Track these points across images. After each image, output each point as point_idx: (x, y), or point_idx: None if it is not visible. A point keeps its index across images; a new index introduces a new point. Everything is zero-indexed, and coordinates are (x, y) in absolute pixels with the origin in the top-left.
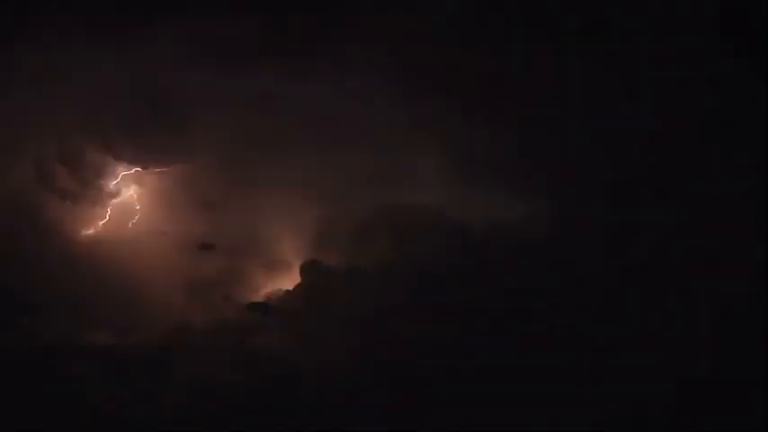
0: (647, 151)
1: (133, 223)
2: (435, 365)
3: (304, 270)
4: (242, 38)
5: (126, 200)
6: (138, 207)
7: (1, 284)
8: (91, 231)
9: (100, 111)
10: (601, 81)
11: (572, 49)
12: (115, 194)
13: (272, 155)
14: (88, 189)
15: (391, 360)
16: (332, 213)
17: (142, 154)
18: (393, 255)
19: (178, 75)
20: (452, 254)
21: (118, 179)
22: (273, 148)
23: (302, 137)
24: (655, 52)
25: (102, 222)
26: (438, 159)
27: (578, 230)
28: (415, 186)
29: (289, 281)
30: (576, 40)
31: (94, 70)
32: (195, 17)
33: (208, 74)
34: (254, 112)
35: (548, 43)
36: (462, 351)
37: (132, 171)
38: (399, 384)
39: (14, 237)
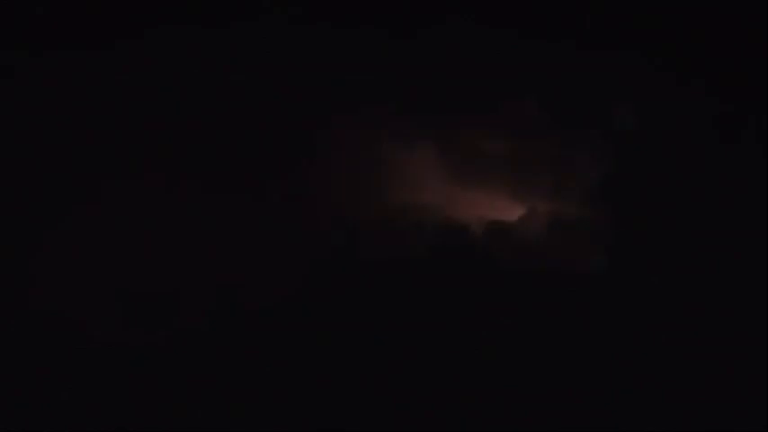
0: (647, 150)
1: None
2: (433, 366)
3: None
4: None
5: None
6: None
7: None
8: None
9: None
10: (601, 80)
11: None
12: None
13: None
14: None
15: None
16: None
17: None
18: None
19: None
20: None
21: None
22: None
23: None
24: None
25: None
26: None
27: (578, 231)
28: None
29: None
30: (575, 39)
31: None
32: None
33: None
34: None
35: (546, 42)
36: (461, 352)
37: None
38: (395, 385)
39: None
